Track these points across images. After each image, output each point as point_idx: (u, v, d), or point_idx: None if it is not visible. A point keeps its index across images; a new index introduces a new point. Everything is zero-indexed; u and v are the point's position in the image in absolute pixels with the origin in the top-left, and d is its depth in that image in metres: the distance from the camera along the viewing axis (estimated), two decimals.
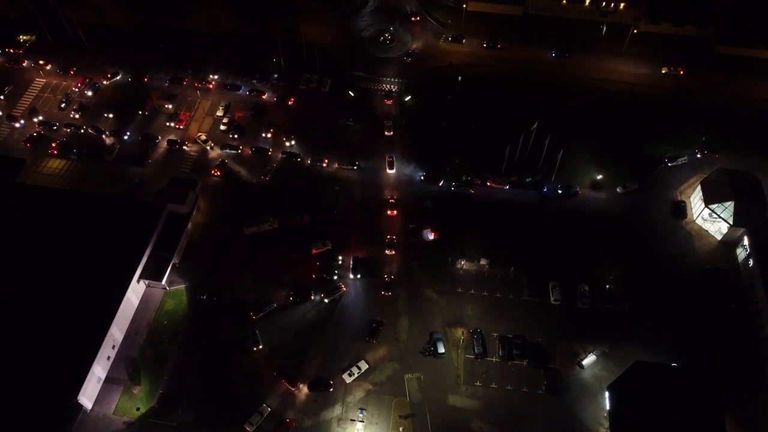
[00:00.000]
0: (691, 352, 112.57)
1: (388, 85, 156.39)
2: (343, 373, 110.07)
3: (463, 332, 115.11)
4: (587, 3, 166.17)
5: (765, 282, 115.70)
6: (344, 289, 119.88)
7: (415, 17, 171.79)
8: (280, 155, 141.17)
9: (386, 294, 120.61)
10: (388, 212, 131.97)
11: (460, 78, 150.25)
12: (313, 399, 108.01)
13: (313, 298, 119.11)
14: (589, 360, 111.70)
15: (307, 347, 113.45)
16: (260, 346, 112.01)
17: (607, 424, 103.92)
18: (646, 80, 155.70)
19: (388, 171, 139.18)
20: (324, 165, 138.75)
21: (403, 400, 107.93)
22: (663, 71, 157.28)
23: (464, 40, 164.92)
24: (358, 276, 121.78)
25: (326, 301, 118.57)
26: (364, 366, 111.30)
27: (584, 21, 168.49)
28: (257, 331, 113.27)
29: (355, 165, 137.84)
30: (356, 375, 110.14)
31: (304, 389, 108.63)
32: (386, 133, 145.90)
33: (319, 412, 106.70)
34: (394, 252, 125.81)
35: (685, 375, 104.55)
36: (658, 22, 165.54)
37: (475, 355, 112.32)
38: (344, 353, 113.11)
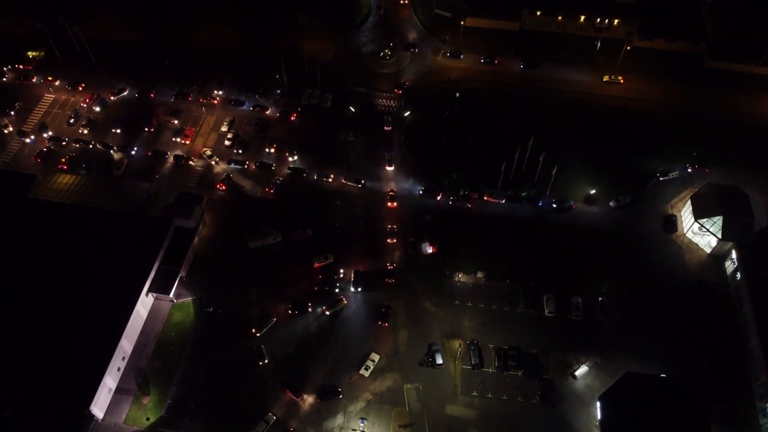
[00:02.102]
0: (680, 364, 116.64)
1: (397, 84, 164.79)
2: (359, 370, 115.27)
3: (460, 344, 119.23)
4: (582, 19, 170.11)
5: (752, 295, 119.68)
6: (345, 301, 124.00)
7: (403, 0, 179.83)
8: (286, 170, 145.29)
9: (390, 281, 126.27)
10: (389, 204, 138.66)
11: (457, 94, 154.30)
12: (316, 409, 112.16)
13: (311, 310, 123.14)
14: (581, 371, 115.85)
15: (313, 357, 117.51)
16: (266, 360, 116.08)
17: None
18: (587, 88, 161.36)
19: (387, 168, 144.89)
20: (330, 180, 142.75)
21: (403, 410, 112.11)
22: (605, 79, 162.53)
23: (462, 56, 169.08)
24: (359, 289, 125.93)
25: (327, 313, 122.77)
26: (376, 357, 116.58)
27: (579, 36, 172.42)
28: (262, 346, 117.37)
29: (361, 183, 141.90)
30: (372, 367, 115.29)
31: (309, 399, 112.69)
32: (385, 128, 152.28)
33: (322, 422, 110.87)
34: (395, 240, 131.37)
35: (674, 386, 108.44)
36: (651, 38, 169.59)
37: (472, 365, 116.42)
38: (350, 359, 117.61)
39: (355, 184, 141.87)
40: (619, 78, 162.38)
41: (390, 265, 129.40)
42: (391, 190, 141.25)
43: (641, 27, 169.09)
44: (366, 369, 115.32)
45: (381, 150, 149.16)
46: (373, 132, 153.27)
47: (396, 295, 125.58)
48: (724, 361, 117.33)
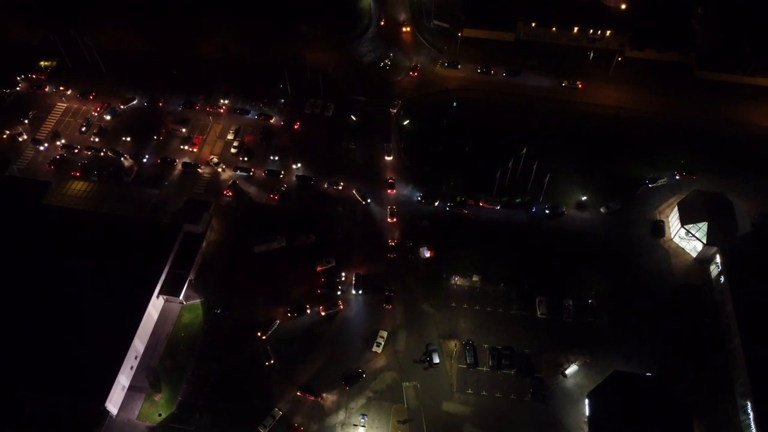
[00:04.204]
0: (666, 363, 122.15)
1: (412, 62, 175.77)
2: (371, 347, 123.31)
3: (456, 344, 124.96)
4: (575, 30, 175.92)
5: (734, 297, 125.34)
6: (341, 306, 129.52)
7: None
8: (294, 178, 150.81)
9: (391, 256, 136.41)
10: (389, 191, 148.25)
11: (455, 104, 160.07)
12: (319, 405, 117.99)
13: (309, 311, 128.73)
14: (571, 370, 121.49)
15: (321, 355, 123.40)
16: (272, 361, 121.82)
17: (586, 429, 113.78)
18: (547, 93, 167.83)
19: (386, 158, 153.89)
20: (339, 188, 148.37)
21: (401, 407, 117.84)
22: (563, 84, 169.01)
23: (459, 66, 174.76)
24: (360, 292, 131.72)
25: (323, 314, 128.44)
26: (385, 333, 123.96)
27: (573, 47, 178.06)
28: (268, 347, 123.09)
29: (367, 200, 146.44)
30: (383, 343, 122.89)
31: (329, 396, 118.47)
32: (391, 110, 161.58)
33: (324, 418, 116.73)
34: (395, 219, 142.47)
35: (659, 384, 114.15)
36: (642, 49, 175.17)
37: (467, 365, 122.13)
38: (360, 344, 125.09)
39: (362, 201, 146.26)
40: (578, 83, 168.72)
41: (391, 242, 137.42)
42: (390, 178, 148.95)
43: (632, 38, 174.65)
44: (378, 345, 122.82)
45: (382, 167, 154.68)
46: (374, 140, 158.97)
47: (397, 296, 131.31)
48: (707, 361, 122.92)
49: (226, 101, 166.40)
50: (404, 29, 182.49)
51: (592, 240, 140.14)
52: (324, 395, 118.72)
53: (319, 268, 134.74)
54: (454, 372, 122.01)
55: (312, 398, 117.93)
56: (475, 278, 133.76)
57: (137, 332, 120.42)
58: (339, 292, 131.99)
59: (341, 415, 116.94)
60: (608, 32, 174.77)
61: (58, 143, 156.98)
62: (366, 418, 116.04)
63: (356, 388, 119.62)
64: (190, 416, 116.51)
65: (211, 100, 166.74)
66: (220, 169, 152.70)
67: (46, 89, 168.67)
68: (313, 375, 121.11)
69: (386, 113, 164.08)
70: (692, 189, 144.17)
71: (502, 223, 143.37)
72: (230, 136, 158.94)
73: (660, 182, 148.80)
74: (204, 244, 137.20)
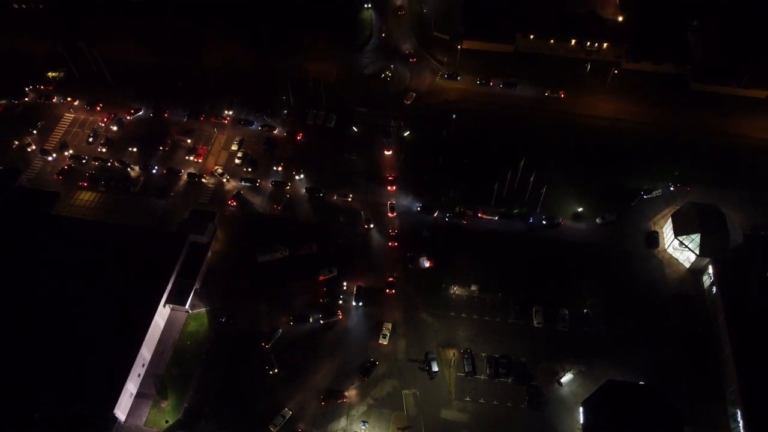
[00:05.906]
0: (659, 371, 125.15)
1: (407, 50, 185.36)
2: (378, 339, 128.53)
3: (454, 352, 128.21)
4: (573, 42, 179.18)
5: (726, 307, 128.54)
6: (340, 317, 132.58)
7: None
8: (301, 190, 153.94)
9: (392, 215, 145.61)
10: (389, 188, 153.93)
11: (454, 116, 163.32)
12: (321, 412, 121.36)
13: (311, 320, 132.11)
14: (567, 378, 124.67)
15: (325, 358, 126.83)
16: (275, 370, 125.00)
17: None
18: (533, 104, 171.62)
19: (386, 152, 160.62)
20: (349, 200, 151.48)
21: (401, 414, 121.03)
22: (546, 94, 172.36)
23: (459, 77, 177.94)
24: (360, 303, 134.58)
25: (322, 322, 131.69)
26: (389, 325, 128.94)
27: (571, 59, 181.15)
28: (272, 356, 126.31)
29: (371, 225, 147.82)
30: (388, 335, 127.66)
31: (353, 393, 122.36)
32: (406, 101, 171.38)
33: (327, 424, 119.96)
34: (395, 213, 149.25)
35: (652, 392, 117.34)
36: (638, 61, 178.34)
37: (465, 373, 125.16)
38: (364, 343, 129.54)
39: (366, 223, 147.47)
40: (561, 93, 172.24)
41: (392, 232, 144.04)
42: (390, 175, 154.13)
43: (629, 50, 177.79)
44: (384, 337, 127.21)
45: (382, 166, 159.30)
46: (375, 150, 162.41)
47: (397, 303, 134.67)
48: (699, 369, 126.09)
49: (230, 112, 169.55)
50: (399, 13, 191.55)
51: (588, 250, 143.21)
52: (346, 394, 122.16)
53: (321, 278, 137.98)
54: (453, 380, 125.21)
55: (336, 401, 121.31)
56: (473, 288, 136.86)
57: (144, 340, 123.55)
58: (340, 302, 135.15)
59: (343, 422, 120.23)
60: (605, 44, 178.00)
61: (66, 153, 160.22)
62: (367, 425, 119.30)
63: (359, 392, 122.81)
64: (196, 423, 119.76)
65: (215, 111, 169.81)
66: (224, 180, 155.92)
67: (54, 100, 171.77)
68: (321, 378, 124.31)
69: (387, 123, 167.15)
70: (686, 200, 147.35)
71: (499, 234, 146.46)
72: (234, 147, 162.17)
73: (655, 194, 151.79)
74: (209, 253, 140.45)
